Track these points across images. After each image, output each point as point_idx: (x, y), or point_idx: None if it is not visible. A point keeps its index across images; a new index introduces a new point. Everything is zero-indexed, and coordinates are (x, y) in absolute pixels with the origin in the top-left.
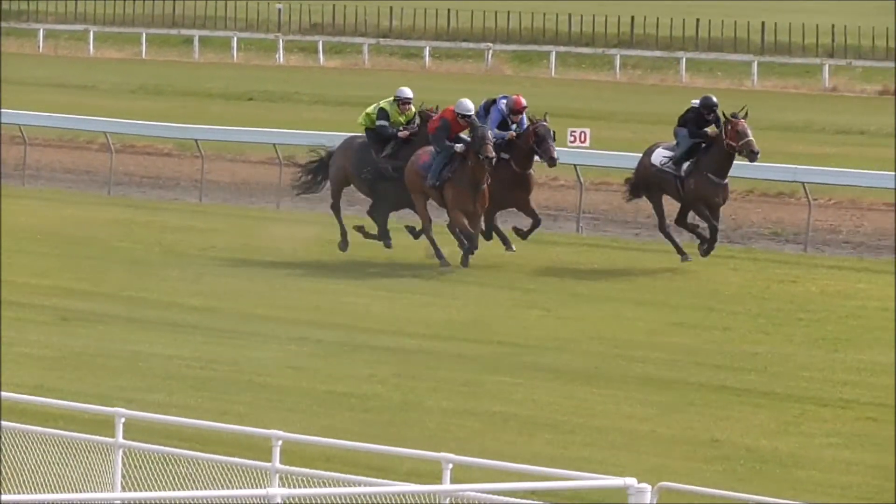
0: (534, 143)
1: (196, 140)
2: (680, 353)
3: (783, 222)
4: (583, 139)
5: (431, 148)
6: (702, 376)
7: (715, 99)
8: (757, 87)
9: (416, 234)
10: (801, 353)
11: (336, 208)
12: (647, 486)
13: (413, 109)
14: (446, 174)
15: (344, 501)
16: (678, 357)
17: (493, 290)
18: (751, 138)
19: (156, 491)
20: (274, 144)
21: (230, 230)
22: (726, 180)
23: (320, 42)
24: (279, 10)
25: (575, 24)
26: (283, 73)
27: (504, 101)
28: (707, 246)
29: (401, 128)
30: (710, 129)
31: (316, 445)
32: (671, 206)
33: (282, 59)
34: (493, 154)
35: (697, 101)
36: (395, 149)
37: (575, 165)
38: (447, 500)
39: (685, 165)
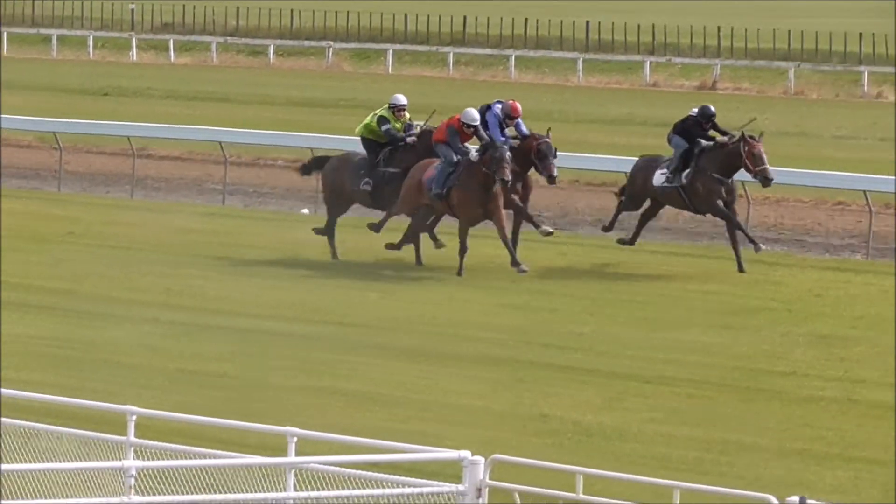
0: (535, 158)
1: (55, 133)
2: (510, 333)
3: (607, 210)
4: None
5: (435, 162)
6: (531, 355)
7: (713, 109)
8: (582, 83)
9: (376, 228)
10: (624, 333)
11: (331, 226)
12: (480, 459)
13: (408, 115)
14: (452, 181)
15: (195, 472)
16: (508, 337)
17: (332, 274)
18: (767, 165)
19: (16, 463)
20: (128, 137)
21: (87, 218)
22: (731, 179)
23: (171, 40)
24: (132, 10)
25: (410, 24)
26: (136, 70)
27: (499, 105)
28: (752, 244)
29: (405, 134)
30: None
31: (168, 420)
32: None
33: (135, 57)
34: (510, 177)
35: (695, 111)
36: (389, 155)
37: None
38: (292, 472)
39: (684, 173)
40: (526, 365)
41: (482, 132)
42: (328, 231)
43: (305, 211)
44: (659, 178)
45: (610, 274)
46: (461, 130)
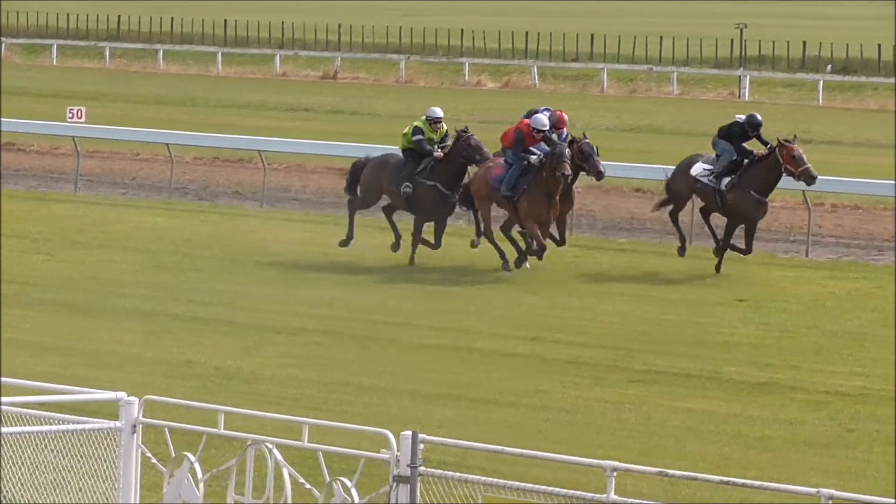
0: (579, 160)
1: None
2: (160, 290)
3: (243, 183)
4: (80, 115)
5: (502, 161)
6: (178, 309)
7: (759, 118)
8: (221, 74)
9: (433, 246)
10: (260, 289)
11: (352, 211)
12: (135, 399)
13: (444, 127)
14: (521, 186)
15: None
16: (159, 293)
17: (4, 239)
18: (808, 165)
19: None
20: None
21: None
22: (767, 198)
23: None
24: None
25: (72, 21)
26: None
27: (548, 113)
28: (721, 248)
29: (437, 147)
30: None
31: None
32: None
33: None
34: (570, 172)
35: (742, 118)
36: (430, 166)
37: (73, 137)
38: None
39: (726, 180)
40: (174, 318)
41: (551, 137)
42: (350, 218)
43: None
44: (699, 169)
45: (246, 238)
46: (529, 135)
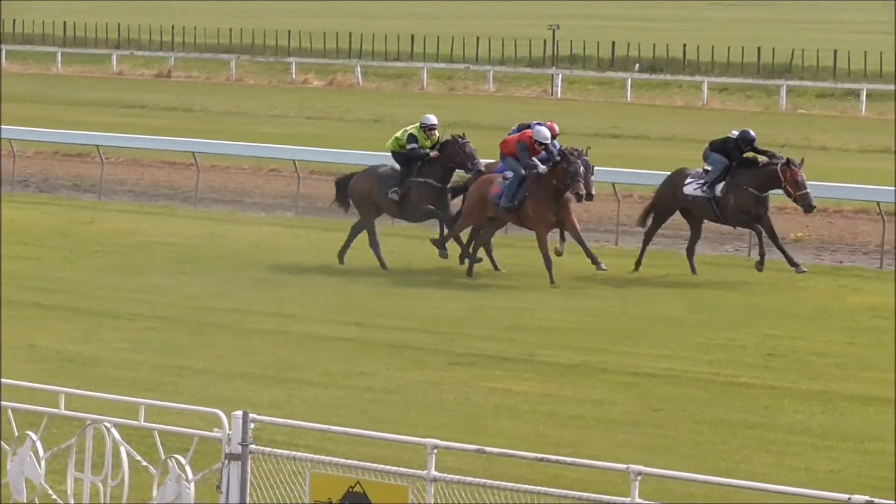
0: None
1: None
2: (3, 278)
3: (82, 176)
4: None
5: (500, 178)
6: (21, 296)
7: (752, 133)
8: (61, 73)
9: (439, 244)
10: (98, 277)
11: (374, 244)
12: None
13: (437, 135)
14: (522, 193)
15: None
16: (8, 281)
17: None
18: (808, 191)
19: None
20: None
21: None
22: (766, 194)
23: None
24: None
25: None
26: None
27: (539, 126)
28: (760, 259)
29: (429, 149)
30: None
31: None
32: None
33: None
34: (584, 191)
35: (736, 133)
36: (419, 166)
37: None
38: None
39: (719, 186)
40: (17, 304)
41: (552, 150)
42: (371, 240)
43: None
44: (690, 187)
45: (84, 229)
46: (531, 146)
